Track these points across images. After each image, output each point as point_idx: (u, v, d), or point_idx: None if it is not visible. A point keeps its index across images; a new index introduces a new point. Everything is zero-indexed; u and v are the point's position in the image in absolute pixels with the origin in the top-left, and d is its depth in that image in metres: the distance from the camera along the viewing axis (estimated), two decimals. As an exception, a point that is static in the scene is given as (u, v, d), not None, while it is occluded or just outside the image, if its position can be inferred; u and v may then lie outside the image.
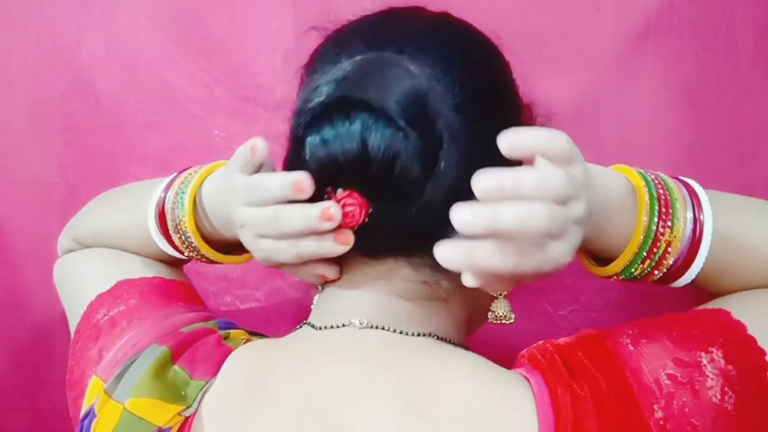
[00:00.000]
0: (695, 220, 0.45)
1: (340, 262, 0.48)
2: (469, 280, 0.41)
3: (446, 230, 0.43)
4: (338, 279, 0.49)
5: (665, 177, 0.48)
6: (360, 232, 0.44)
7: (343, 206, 0.43)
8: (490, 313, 0.51)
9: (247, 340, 0.49)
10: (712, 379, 0.42)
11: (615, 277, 0.48)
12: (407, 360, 0.45)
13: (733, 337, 0.44)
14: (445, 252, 0.38)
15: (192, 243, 0.53)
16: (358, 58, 0.43)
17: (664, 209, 0.45)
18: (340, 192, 0.43)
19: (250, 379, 0.45)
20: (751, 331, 0.44)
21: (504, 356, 0.47)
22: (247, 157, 0.46)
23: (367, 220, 0.43)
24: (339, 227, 0.43)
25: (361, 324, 0.46)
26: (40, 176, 0.82)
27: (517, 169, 0.38)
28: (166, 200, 0.54)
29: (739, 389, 0.42)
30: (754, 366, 0.43)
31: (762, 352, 0.43)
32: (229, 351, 0.47)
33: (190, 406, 0.44)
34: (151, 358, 0.46)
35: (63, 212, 0.76)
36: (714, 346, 0.43)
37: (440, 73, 0.43)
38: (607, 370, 0.42)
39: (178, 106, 0.80)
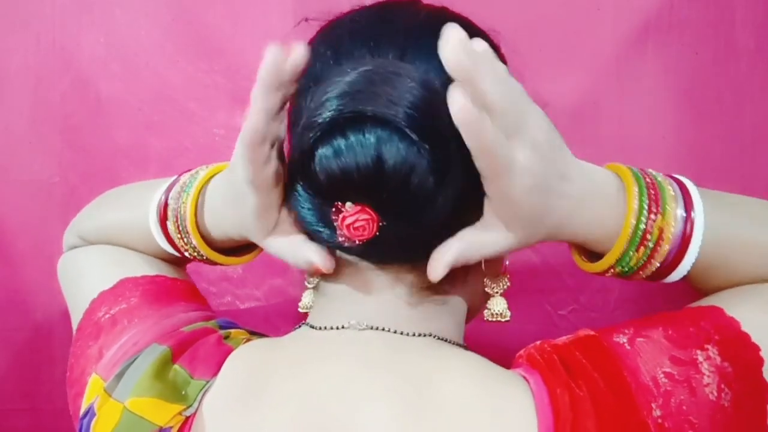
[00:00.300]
0: (686, 216, 0.45)
1: (340, 264, 0.48)
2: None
3: (450, 235, 0.44)
4: (334, 276, 0.48)
5: (654, 172, 0.48)
6: (368, 244, 0.43)
7: (355, 221, 0.42)
8: (486, 310, 0.51)
9: (248, 340, 0.49)
10: (708, 377, 0.42)
11: (611, 271, 0.48)
12: (407, 360, 0.45)
13: (728, 334, 0.44)
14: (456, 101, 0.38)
15: (192, 242, 0.53)
16: (362, 69, 0.42)
17: (653, 193, 0.45)
18: (350, 206, 0.42)
19: (251, 379, 0.45)
20: (744, 327, 0.44)
21: (504, 356, 0.48)
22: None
23: (378, 233, 0.42)
24: (349, 240, 0.43)
25: (360, 325, 0.46)
26: (40, 176, 0.82)
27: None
28: (169, 199, 0.54)
29: (735, 386, 0.42)
30: (750, 362, 0.43)
31: (756, 348, 0.43)
32: (230, 351, 0.47)
33: (191, 405, 0.44)
34: (151, 358, 0.46)
35: (63, 212, 0.76)
36: (710, 343, 0.43)
37: (444, 75, 0.43)
38: (605, 369, 0.42)
39: (178, 106, 0.80)
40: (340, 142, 0.40)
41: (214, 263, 0.56)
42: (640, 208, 0.45)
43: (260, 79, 0.42)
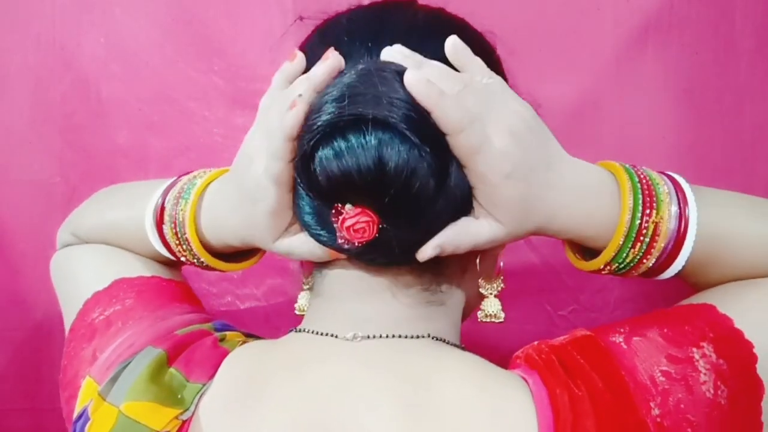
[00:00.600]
0: (680, 212, 0.46)
1: (338, 265, 0.48)
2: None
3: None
4: (331, 277, 0.48)
5: (647, 169, 0.48)
6: (367, 246, 0.43)
7: (355, 223, 0.42)
8: (480, 311, 0.51)
9: (244, 342, 0.49)
10: (705, 375, 0.42)
11: (607, 268, 0.48)
12: (406, 361, 0.45)
13: (722, 332, 0.44)
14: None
15: (192, 249, 0.53)
16: (360, 68, 0.43)
17: (647, 190, 0.46)
18: (350, 208, 0.42)
19: (248, 382, 0.45)
20: (737, 324, 0.44)
21: (504, 357, 0.48)
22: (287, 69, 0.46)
23: (377, 235, 0.42)
24: (349, 242, 0.43)
25: (359, 326, 0.46)
26: (40, 176, 0.82)
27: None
28: (166, 203, 0.54)
29: (731, 383, 0.43)
30: (744, 359, 0.43)
31: (749, 344, 0.44)
32: (226, 353, 0.47)
33: (187, 409, 0.44)
34: (146, 361, 0.46)
35: (63, 212, 0.76)
36: (705, 341, 0.44)
37: None
38: (603, 369, 0.43)
39: (178, 106, 0.80)
40: (341, 144, 0.40)
41: (212, 269, 0.55)
42: (635, 204, 0.45)
43: (312, 77, 0.43)
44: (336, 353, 0.45)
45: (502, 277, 0.51)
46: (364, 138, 0.40)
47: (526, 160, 0.42)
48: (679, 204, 0.46)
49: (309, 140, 0.41)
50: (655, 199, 0.45)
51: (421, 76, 0.40)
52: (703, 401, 0.42)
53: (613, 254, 0.46)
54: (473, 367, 0.45)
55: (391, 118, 0.40)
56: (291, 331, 0.49)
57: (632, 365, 0.43)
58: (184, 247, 0.53)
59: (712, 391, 0.42)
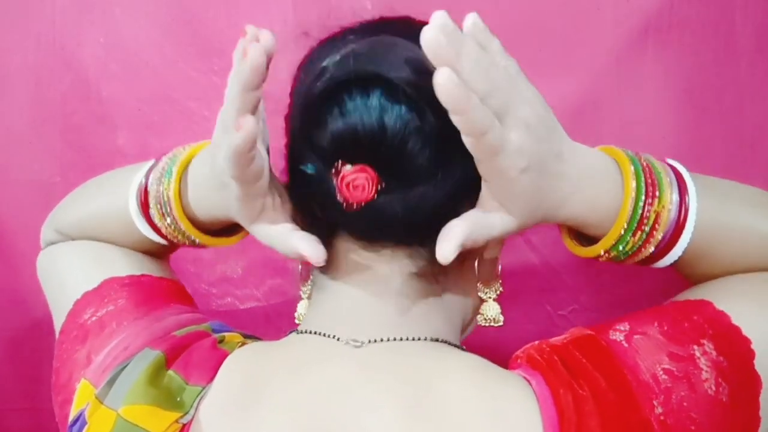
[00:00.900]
0: (681, 200, 0.46)
1: (336, 259, 0.48)
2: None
3: (447, 220, 0.44)
4: (329, 273, 0.48)
5: (649, 156, 0.48)
6: (364, 213, 0.43)
7: (354, 179, 0.42)
8: (479, 315, 0.51)
9: (243, 344, 0.49)
10: (706, 372, 0.42)
11: (606, 255, 0.48)
12: (407, 362, 0.45)
13: (720, 329, 0.44)
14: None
15: (179, 226, 0.52)
16: (365, 39, 0.43)
17: (649, 178, 0.46)
18: (350, 166, 0.42)
19: (248, 384, 0.44)
20: (735, 320, 0.45)
21: (504, 357, 0.48)
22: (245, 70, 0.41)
23: (375, 197, 0.43)
24: (348, 201, 0.43)
25: (359, 327, 0.46)
26: (40, 176, 0.82)
27: None
28: (150, 182, 0.53)
29: (731, 380, 0.43)
30: (743, 355, 0.44)
31: (748, 341, 0.44)
32: (225, 355, 0.46)
33: (187, 413, 0.43)
34: (144, 363, 0.45)
35: (63, 212, 0.76)
36: (705, 338, 0.44)
37: None
38: (605, 368, 0.43)
39: (178, 106, 0.80)
40: (346, 102, 0.41)
41: (203, 245, 0.54)
42: (638, 192, 0.45)
43: (243, 81, 0.41)
44: (336, 355, 0.45)
45: (500, 281, 0.51)
46: (368, 96, 0.41)
47: (539, 153, 0.42)
48: (679, 192, 0.46)
49: (315, 96, 0.42)
50: (657, 187, 0.45)
51: (453, 78, 0.37)
52: (705, 398, 0.42)
53: (614, 242, 0.46)
54: (474, 367, 0.45)
55: (395, 77, 0.41)
56: (291, 332, 0.49)
57: (634, 364, 0.43)
58: (172, 226, 0.52)
59: (713, 389, 0.42)
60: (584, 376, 0.42)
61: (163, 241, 0.55)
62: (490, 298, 0.51)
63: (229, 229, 0.55)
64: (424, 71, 0.40)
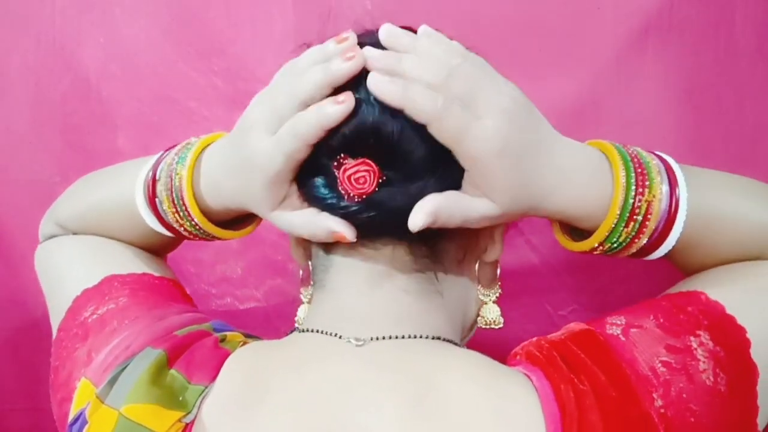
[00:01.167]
0: (671, 191, 0.46)
1: (338, 257, 0.48)
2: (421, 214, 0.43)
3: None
4: (329, 272, 0.48)
5: (638, 148, 0.48)
6: (366, 205, 0.44)
7: (356, 172, 0.43)
8: (480, 318, 0.52)
9: (244, 343, 0.49)
10: (704, 363, 0.43)
11: (600, 248, 0.48)
12: (409, 360, 0.45)
13: (715, 319, 0.45)
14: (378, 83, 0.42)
15: (190, 215, 0.51)
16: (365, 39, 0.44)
17: (638, 169, 0.46)
18: (351, 159, 0.43)
19: (251, 383, 0.44)
20: (729, 310, 0.45)
21: (504, 356, 0.48)
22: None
23: (377, 189, 0.43)
24: (349, 193, 0.43)
25: (360, 324, 0.46)
26: (40, 176, 0.82)
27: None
28: (158, 173, 0.52)
29: (728, 369, 0.43)
30: (738, 345, 0.44)
31: (743, 330, 0.44)
32: (227, 354, 0.47)
33: (190, 412, 0.43)
34: (146, 362, 0.45)
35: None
36: (701, 328, 0.44)
37: None
38: (604, 363, 0.43)
39: (178, 106, 0.80)
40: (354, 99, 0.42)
41: (212, 238, 0.54)
42: (628, 183, 0.45)
43: (333, 76, 0.43)
44: (338, 353, 0.45)
45: (499, 283, 0.52)
46: (370, 92, 0.42)
47: (518, 138, 0.43)
48: (669, 183, 0.46)
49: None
50: (647, 177, 0.46)
51: (382, 79, 0.41)
52: (704, 389, 0.42)
53: (607, 233, 0.46)
54: (477, 365, 0.45)
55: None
56: (293, 331, 0.49)
57: (632, 357, 0.43)
58: (182, 214, 0.52)
59: (711, 379, 0.42)
60: (584, 371, 0.42)
61: (167, 233, 0.55)
62: (489, 300, 0.51)
63: (234, 223, 0.55)
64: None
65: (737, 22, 0.71)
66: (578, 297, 0.76)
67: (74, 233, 0.60)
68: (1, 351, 0.85)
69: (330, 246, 0.48)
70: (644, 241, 0.47)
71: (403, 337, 0.46)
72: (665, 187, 0.46)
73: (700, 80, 0.72)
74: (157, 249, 0.60)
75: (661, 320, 0.45)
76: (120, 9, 0.80)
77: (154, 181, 0.52)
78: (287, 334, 0.50)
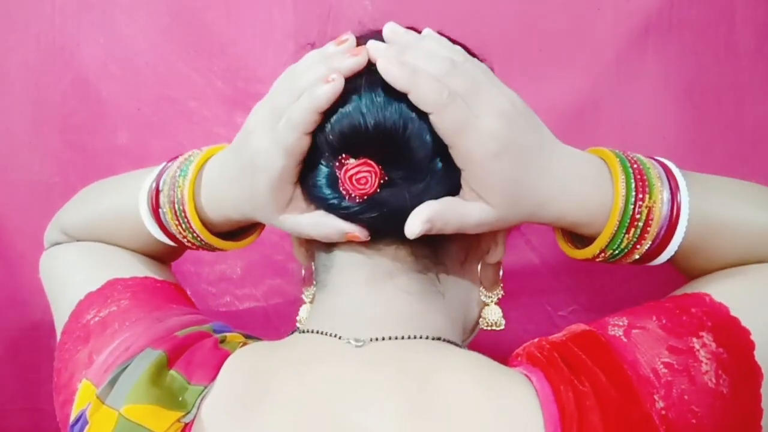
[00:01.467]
0: (672, 196, 0.46)
1: (339, 257, 0.48)
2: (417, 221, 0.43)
3: None
4: (330, 272, 0.48)
5: (637, 155, 0.48)
6: (367, 205, 0.44)
7: (357, 173, 0.43)
8: (481, 319, 0.52)
9: (244, 344, 0.49)
10: (706, 364, 0.42)
11: (602, 255, 0.48)
12: (409, 360, 0.45)
13: (719, 321, 0.44)
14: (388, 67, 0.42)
15: (191, 226, 0.52)
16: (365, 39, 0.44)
17: (638, 175, 0.46)
18: (353, 160, 0.43)
19: (250, 383, 0.44)
20: (733, 312, 0.45)
21: (504, 357, 0.48)
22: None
23: (378, 191, 0.43)
24: (351, 194, 0.43)
25: (361, 325, 0.46)
26: (40, 176, 0.82)
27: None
28: (161, 185, 0.53)
29: (731, 371, 0.43)
30: (742, 347, 0.44)
31: (747, 332, 0.44)
32: (226, 355, 0.47)
33: (189, 412, 0.44)
34: (145, 363, 0.45)
35: (63, 212, 0.76)
36: (703, 330, 0.44)
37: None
38: (605, 364, 0.43)
39: (178, 106, 0.80)
40: (354, 99, 0.42)
41: (213, 249, 0.54)
42: (628, 189, 0.45)
43: (338, 68, 0.43)
44: (339, 354, 0.45)
45: (501, 285, 0.52)
46: (372, 92, 0.42)
47: (516, 142, 0.43)
48: (670, 188, 0.46)
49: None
50: (647, 183, 0.46)
51: (391, 61, 0.41)
52: (705, 391, 0.42)
53: (608, 240, 0.46)
54: (477, 365, 0.45)
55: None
56: (294, 331, 0.49)
57: (634, 358, 0.43)
58: (183, 225, 0.52)
59: (714, 381, 0.42)
60: (585, 372, 0.42)
61: (171, 242, 0.56)
62: (491, 301, 0.51)
63: (235, 234, 0.55)
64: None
65: (737, 22, 0.71)
66: (578, 297, 0.76)
67: (79, 241, 0.61)
68: (1, 351, 0.85)
69: (332, 246, 0.48)
70: (646, 247, 0.47)
71: (403, 338, 0.46)
72: (666, 193, 0.46)
73: (700, 80, 0.72)
74: (161, 257, 0.61)
75: (664, 321, 0.45)
76: (120, 9, 0.80)
77: (157, 192, 0.53)
78: (288, 335, 0.50)
